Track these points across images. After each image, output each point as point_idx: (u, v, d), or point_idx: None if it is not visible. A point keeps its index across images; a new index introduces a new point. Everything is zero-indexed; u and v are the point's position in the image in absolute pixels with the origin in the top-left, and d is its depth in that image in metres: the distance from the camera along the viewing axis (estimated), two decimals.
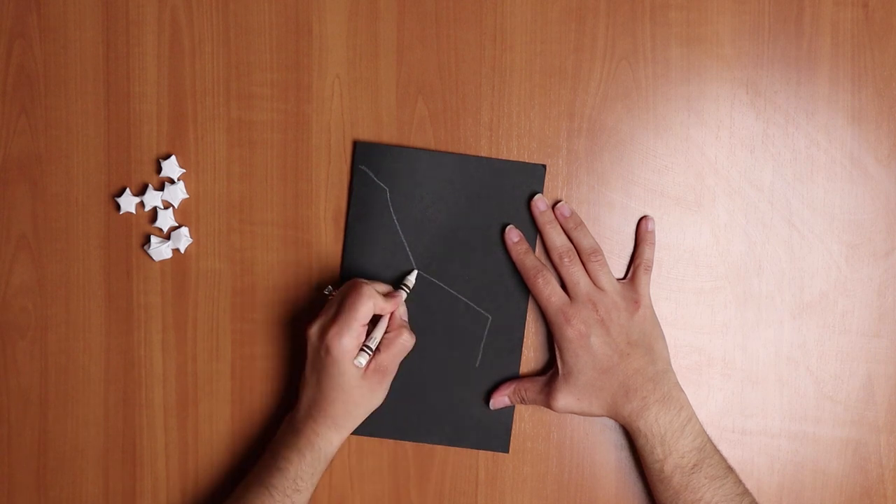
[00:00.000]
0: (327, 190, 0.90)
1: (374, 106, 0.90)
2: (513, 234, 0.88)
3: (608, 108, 0.89)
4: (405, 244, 0.89)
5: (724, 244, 0.90)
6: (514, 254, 0.88)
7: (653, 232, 0.89)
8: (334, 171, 0.90)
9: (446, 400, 0.90)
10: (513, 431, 0.90)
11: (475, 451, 0.91)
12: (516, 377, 0.90)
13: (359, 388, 0.82)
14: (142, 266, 0.91)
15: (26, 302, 0.91)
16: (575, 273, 0.86)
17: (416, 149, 0.89)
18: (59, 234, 0.91)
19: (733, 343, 0.90)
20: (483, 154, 0.90)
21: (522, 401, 0.89)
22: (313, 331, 0.83)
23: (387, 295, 0.84)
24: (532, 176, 0.89)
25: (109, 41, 0.91)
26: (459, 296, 0.89)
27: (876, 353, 0.90)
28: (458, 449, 0.91)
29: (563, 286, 0.87)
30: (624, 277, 0.89)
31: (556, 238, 0.87)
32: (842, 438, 0.90)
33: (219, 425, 0.91)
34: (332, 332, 0.81)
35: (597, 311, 0.84)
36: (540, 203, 0.88)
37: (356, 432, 0.87)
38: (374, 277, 0.89)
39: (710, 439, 0.84)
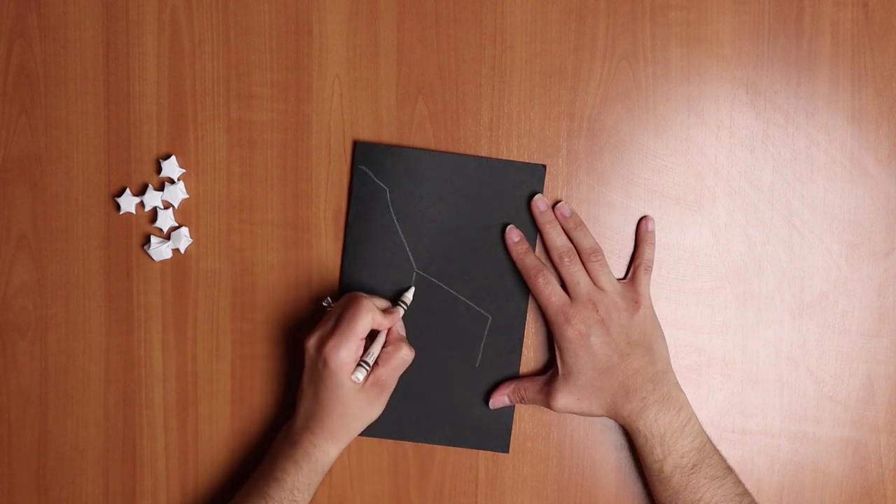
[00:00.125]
0: (327, 190, 0.90)
1: (374, 106, 0.90)
2: (513, 234, 0.88)
3: (608, 108, 0.89)
4: (405, 244, 0.89)
5: (724, 244, 0.90)
6: (514, 254, 0.88)
7: (653, 232, 0.89)
8: (334, 171, 0.90)
9: (446, 400, 0.90)
10: (513, 431, 0.90)
11: (475, 451, 0.91)
12: (516, 377, 0.90)
13: (356, 402, 0.82)
14: (142, 266, 0.91)
15: (26, 302, 0.91)
16: (575, 273, 0.86)
17: (416, 149, 0.89)
18: (59, 234, 0.91)
19: (733, 343, 0.90)
20: (483, 154, 0.90)
21: (522, 400, 0.89)
22: (311, 343, 0.83)
23: (385, 311, 0.84)
24: (532, 176, 0.89)
25: (109, 41, 0.91)
26: (459, 296, 0.89)
27: (876, 353, 0.90)
28: (458, 449, 0.91)
29: (564, 286, 0.87)
30: (624, 277, 0.89)
31: (556, 238, 0.88)
32: (842, 438, 0.90)
33: (219, 425, 0.91)
34: (331, 344, 0.81)
35: (597, 311, 0.84)
36: (540, 203, 0.88)
37: None
38: (374, 278, 0.89)
39: (709, 439, 0.84)
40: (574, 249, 0.87)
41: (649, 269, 0.88)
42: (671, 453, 0.82)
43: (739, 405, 0.90)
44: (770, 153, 0.89)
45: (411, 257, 0.89)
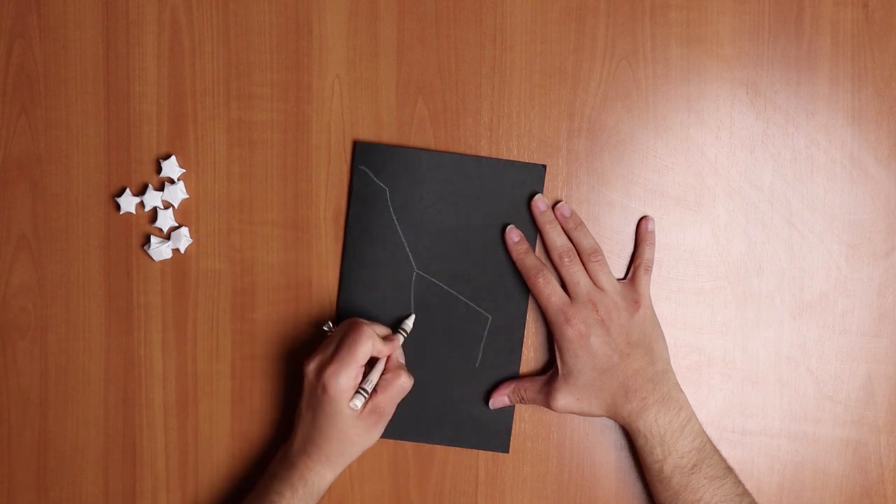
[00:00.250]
0: (327, 190, 0.90)
1: (374, 106, 0.90)
2: (513, 234, 0.88)
3: (608, 108, 0.89)
4: (405, 244, 0.89)
5: (724, 244, 0.90)
6: (514, 254, 0.88)
7: (653, 232, 0.89)
8: (334, 171, 0.90)
9: (446, 400, 0.90)
10: (513, 431, 0.90)
11: (475, 451, 0.91)
12: (516, 377, 0.90)
13: (354, 428, 0.82)
14: (142, 266, 0.91)
15: (26, 302, 0.91)
16: (575, 273, 0.86)
17: (416, 149, 0.89)
18: (59, 234, 0.91)
19: (733, 343, 0.90)
20: (483, 154, 0.90)
21: (522, 400, 0.89)
22: (311, 368, 0.83)
23: (385, 338, 0.85)
24: (532, 176, 0.89)
25: (109, 41, 0.91)
26: (459, 296, 0.89)
27: (876, 353, 0.90)
28: (458, 449, 0.91)
29: (564, 286, 0.87)
30: (624, 277, 0.89)
31: (556, 238, 0.88)
32: (842, 438, 0.90)
33: (219, 425, 0.91)
34: (330, 370, 0.81)
35: (597, 311, 0.84)
36: (540, 203, 0.88)
37: None
38: (374, 278, 0.89)
39: (709, 439, 0.84)
40: (574, 249, 0.87)
41: (649, 269, 0.88)
42: (671, 453, 0.82)
43: (739, 405, 0.90)
44: (770, 153, 0.89)
45: (411, 257, 0.89)
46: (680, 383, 0.86)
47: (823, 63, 0.89)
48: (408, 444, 0.91)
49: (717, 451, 0.84)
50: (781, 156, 0.90)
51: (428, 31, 0.90)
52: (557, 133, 0.89)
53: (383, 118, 0.90)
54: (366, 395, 0.82)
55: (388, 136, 0.90)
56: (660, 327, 0.87)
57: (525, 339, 0.90)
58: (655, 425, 0.83)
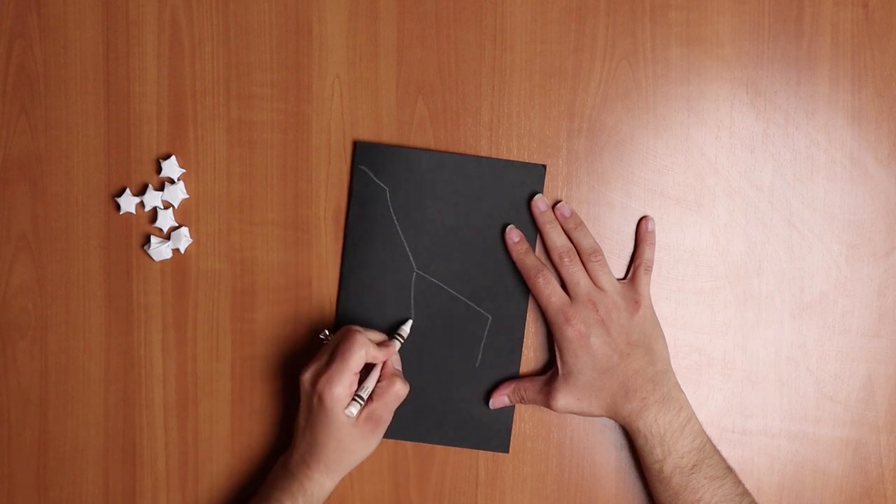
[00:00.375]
0: (327, 190, 0.90)
1: (374, 106, 0.90)
2: (513, 234, 0.88)
3: (608, 108, 0.89)
4: (405, 244, 0.89)
5: (724, 244, 0.90)
6: (514, 254, 0.88)
7: (653, 232, 0.89)
8: (334, 171, 0.90)
9: (446, 400, 0.90)
10: (513, 431, 0.90)
11: (475, 451, 0.91)
12: (516, 377, 0.90)
13: (351, 436, 0.82)
14: (142, 266, 0.91)
15: (26, 302, 0.91)
16: (575, 273, 0.86)
17: (416, 149, 0.89)
18: (59, 234, 0.91)
19: (733, 343, 0.90)
20: (483, 154, 0.90)
21: (522, 400, 0.89)
22: (306, 378, 0.83)
23: (380, 343, 0.85)
24: (532, 176, 0.89)
25: (109, 41, 0.91)
26: (459, 296, 0.89)
27: (876, 353, 0.90)
28: (458, 449, 0.91)
29: (564, 286, 0.87)
30: (624, 277, 0.89)
31: (556, 238, 0.88)
32: (842, 438, 0.90)
33: (219, 425, 0.91)
34: (324, 380, 0.81)
35: (597, 311, 0.84)
36: (540, 203, 0.88)
37: None
38: (374, 278, 0.89)
39: (709, 439, 0.84)
40: (574, 249, 0.87)
41: (649, 269, 0.88)
42: (671, 453, 0.82)
43: (739, 405, 0.90)
44: (770, 153, 0.89)
45: (411, 257, 0.89)
46: (680, 383, 0.86)
47: (823, 63, 0.89)
48: (408, 444, 0.91)
49: (717, 451, 0.84)
50: (781, 156, 0.90)
51: (428, 31, 0.90)
52: (557, 133, 0.89)
53: (383, 118, 0.90)
54: (361, 403, 0.82)
55: (388, 136, 0.90)
56: (660, 327, 0.87)
57: (525, 339, 0.90)
58: (655, 425, 0.83)
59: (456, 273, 0.89)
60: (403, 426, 0.90)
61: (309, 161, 0.90)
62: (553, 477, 0.91)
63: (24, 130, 0.91)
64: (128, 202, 0.90)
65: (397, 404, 0.84)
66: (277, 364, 0.91)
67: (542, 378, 0.88)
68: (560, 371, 0.85)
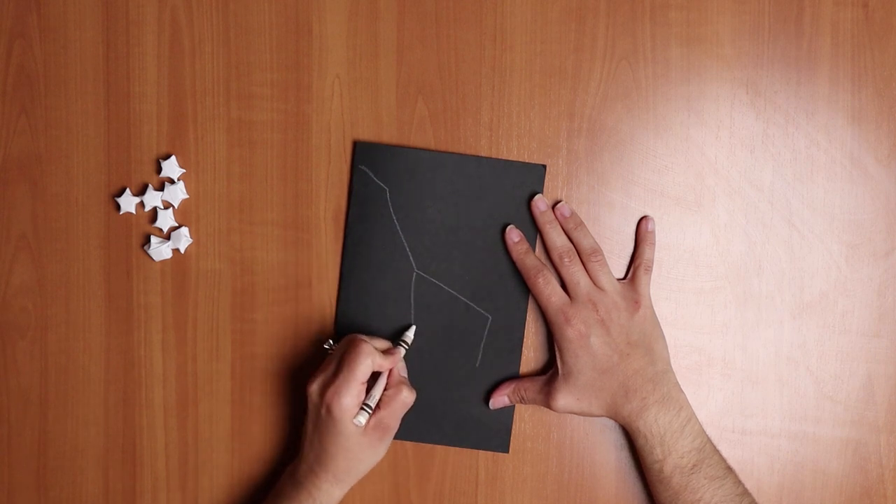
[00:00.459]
0: (327, 190, 0.90)
1: (374, 106, 0.90)
2: (513, 234, 0.88)
3: (608, 108, 0.89)
4: (405, 244, 0.89)
5: (724, 244, 0.90)
6: (514, 254, 0.88)
7: (653, 232, 0.89)
8: (334, 171, 0.90)
9: (446, 400, 0.90)
10: (513, 431, 0.90)
11: (475, 451, 0.91)
12: (516, 377, 0.90)
13: (359, 445, 0.82)
14: (142, 266, 0.91)
15: (26, 302, 0.91)
16: (575, 273, 0.86)
17: (416, 149, 0.89)
18: (59, 234, 0.91)
19: (733, 343, 0.90)
20: (483, 154, 0.90)
21: (522, 400, 0.89)
22: (313, 389, 0.83)
23: (385, 351, 0.84)
24: (532, 176, 0.89)
25: (109, 41, 0.91)
26: (459, 296, 0.89)
27: (876, 353, 0.90)
28: (458, 449, 0.91)
29: (564, 286, 0.87)
30: (624, 277, 0.89)
31: (556, 238, 0.88)
32: (842, 438, 0.90)
33: (219, 425, 0.91)
34: (332, 391, 0.81)
35: (597, 311, 0.84)
36: (540, 203, 0.88)
37: None
38: (374, 278, 0.89)
39: (709, 439, 0.84)
40: (574, 249, 0.87)
41: (649, 269, 0.88)
42: (671, 453, 0.82)
43: (739, 405, 0.90)
44: (770, 153, 0.89)
45: (411, 257, 0.89)
46: (680, 383, 0.86)
47: (823, 63, 0.89)
48: (408, 444, 0.91)
49: (717, 451, 0.84)
50: (781, 156, 0.90)
51: (428, 31, 0.90)
52: (557, 133, 0.89)
53: (383, 118, 0.90)
54: (369, 412, 0.82)
55: (388, 136, 0.90)
56: (660, 327, 0.87)
57: (525, 339, 0.90)
58: (655, 425, 0.83)
59: (456, 273, 0.89)
60: (403, 426, 0.90)
61: (309, 161, 0.90)
62: (553, 477, 0.91)
63: (24, 130, 0.91)
64: (128, 202, 0.90)
65: (405, 411, 0.84)
66: (277, 364, 0.91)
67: (542, 378, 0.88)
68: (560, 371, 0.85)
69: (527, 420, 0.91)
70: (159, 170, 0.90)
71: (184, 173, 0.91)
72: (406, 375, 0.87)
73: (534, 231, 0.89)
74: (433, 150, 0.89)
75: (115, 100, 0.91)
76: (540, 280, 0.86)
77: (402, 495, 0.91)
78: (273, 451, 0.91)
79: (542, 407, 0.89)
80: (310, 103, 0.90)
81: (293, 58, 0.90)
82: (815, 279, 0.90)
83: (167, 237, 0.90)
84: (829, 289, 0.90)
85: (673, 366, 0.87)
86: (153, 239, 0.90)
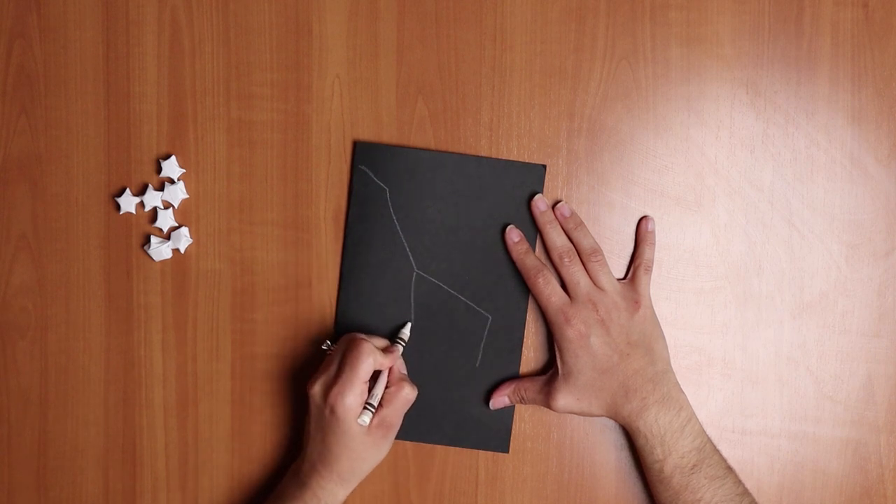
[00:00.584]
0: (327, 190, 0.90)
1: (374, 106, 0.90)
2: (513, 234, 0.88)
3: (608, 108, 0.89)
4: (405, 244, 0.89)
5: (724, 244, 0.90)
6: (514, 254, 0.88)
7: (653, 232, 0.89)
8: (334, 171, 0.90)
9: (446, 400, 0.90)
10: (513, 431, 0.90)
11: (475, 451, 0.91)
12: (516, 377, 0.90)
13: (363, 445, 0.82)
14: (142, 266, 0.91)
15: (26, 302, 0.91)
16: (575, 273, 0.86)
17: (416, 149, 0.89)
18: (59, 234, 0.91)
19: (733, 343, 0.90)
20: (483, 154, 0.90)
21: (522, 400, 0.89)
22: (316, 390, 0.83)
23: (384, 349, 0.84)
24: (532, 176, 0.89)
25: (109, 41, 0.91)
26: (459, 296, 0.89)
27: (876, 353, 0.90)
28: (458, 449, 0.91)
29: (564, 286, 0.87)
30: (624, 277, 0.89)
31: (556, 238, 0.88)
32: (842, 438, 0.90)
33: (219, 425, 0.91)
34: (335, 391, 0.81)
35: (597, 311, 0.84)
36: (540, 203, 0.88)
37: None
38: (374, 278, 0.89)
39: (709, 439, 0.84)
40: (574, 249, 0.87)
41: (649, 269, 0.88)
42: (671, 453, 0.82)
43: (739, 405, 0.90)
44: (770, 153, 0.89)
45: (411, 257, 0.89)
46: (680, 383, 0.86)
47: (823, 63, 0.89)
48: (408, 444, 0.91)
49: (717, 451, 0.84)
50: (781, 156, 0.90)
51: (428, 31, 0.90)
52: (557, 133, 0.89)
53: (383, 118, 0.90)
54: (373, 411, 0.82)
55: (388, 136, 0.90)
56: (660, 327, 0.87)
57: (525, 339, 0.90)
58: (655, 425, 0.83)
59: (456, 273, 0.89)
60: (403, 426, 0.90)
61: (309, 161, 0.90)
62: (553, 477, 0.91)
63: (24, 130, 0.91)
64: (128, 202, 0.90)
65: (407, 408, 0.84)
66: (277, 364, 0.91)
67: (542, 378, 0.88)
68: (560, 371, 0.85)
69: (527, 420, 0.91)
70: (159, 170, 0.90)
71: (184, 173, 0.91)
72: (405, 372, 0.87)
73: (534, 231, 0.89)
74: (433, 150, 0.89)
75: (115, 100, 0.91)
76: (540, 280, 0.86)
77: (402, 495, 0.91)
78: (273, 451, 0.91)
79: (542, 407, 0.89)
80: (310, 103, 0.90)
81: (293, 58, 0.90)
82: (815, 279, 0.90)
83: (167, 237, 0.90)
84: (829, 289, 0.90)
85: (673, 366, 0.87)
86: (153, 239, 0.90)
